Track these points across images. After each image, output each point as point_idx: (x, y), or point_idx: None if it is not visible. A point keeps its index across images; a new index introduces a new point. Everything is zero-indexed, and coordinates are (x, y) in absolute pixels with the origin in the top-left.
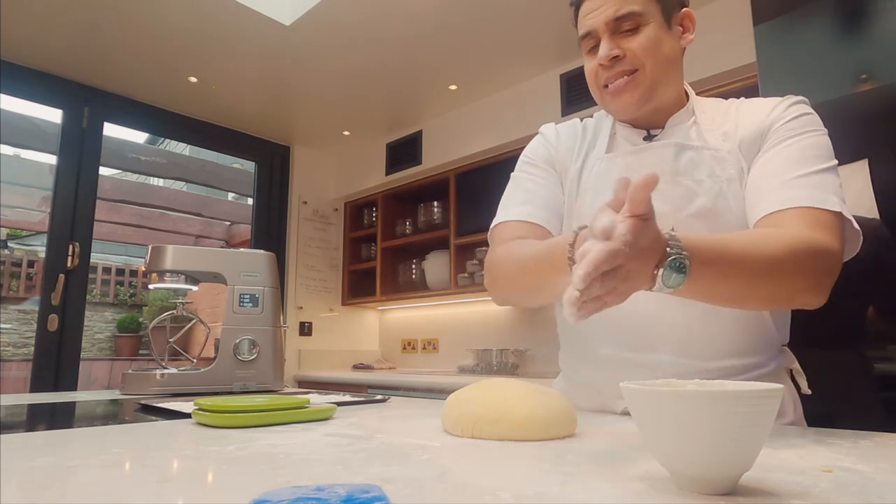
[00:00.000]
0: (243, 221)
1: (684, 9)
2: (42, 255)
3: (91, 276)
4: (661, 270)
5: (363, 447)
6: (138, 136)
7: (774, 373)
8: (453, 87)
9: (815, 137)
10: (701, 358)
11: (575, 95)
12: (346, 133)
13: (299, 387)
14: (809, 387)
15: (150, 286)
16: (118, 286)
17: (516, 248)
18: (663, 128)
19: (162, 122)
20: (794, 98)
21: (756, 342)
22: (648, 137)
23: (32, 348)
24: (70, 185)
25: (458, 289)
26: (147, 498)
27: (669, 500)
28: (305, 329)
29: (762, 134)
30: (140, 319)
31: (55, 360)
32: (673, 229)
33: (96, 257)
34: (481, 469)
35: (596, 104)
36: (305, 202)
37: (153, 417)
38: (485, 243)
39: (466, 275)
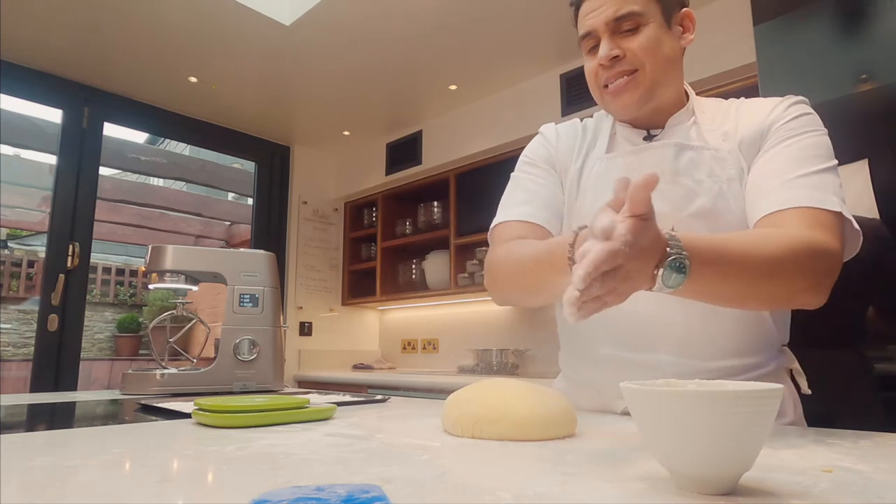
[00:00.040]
0: (243, 221)
1: (684, 9)
2: (42, 255)
3: (91, 276)
4: (661, 270)
5: (363, 447)
6: (138, 136)
7: (774, 373)
8: (453, 87)
9: (815, 137)
10: (701, 358)
11: (575, 95)
12: (346, 133)
13: (299, 387)
14: (809, 387)
15: (150, 286)
16: (118, 286)
17: (516, 248)
18: (663, 128)
19: (162, 122)
20: (794, 98)
21: (756, 342)
22: (648, 137)
23: (32, 348)
24: (70, 185)
25: (458, 289)
26: (147, 498)
27: (669, 500)
28: (305, 329)
29: (762, 134)
30: (140, 319)
31: (55, 360)
32: (673, 229)
33: (96, 257)
34: (481, 469)
35: (596, 104)
36: (305, 202)
37: (153, 417)
38: (485, 243)
39: (466, 275)
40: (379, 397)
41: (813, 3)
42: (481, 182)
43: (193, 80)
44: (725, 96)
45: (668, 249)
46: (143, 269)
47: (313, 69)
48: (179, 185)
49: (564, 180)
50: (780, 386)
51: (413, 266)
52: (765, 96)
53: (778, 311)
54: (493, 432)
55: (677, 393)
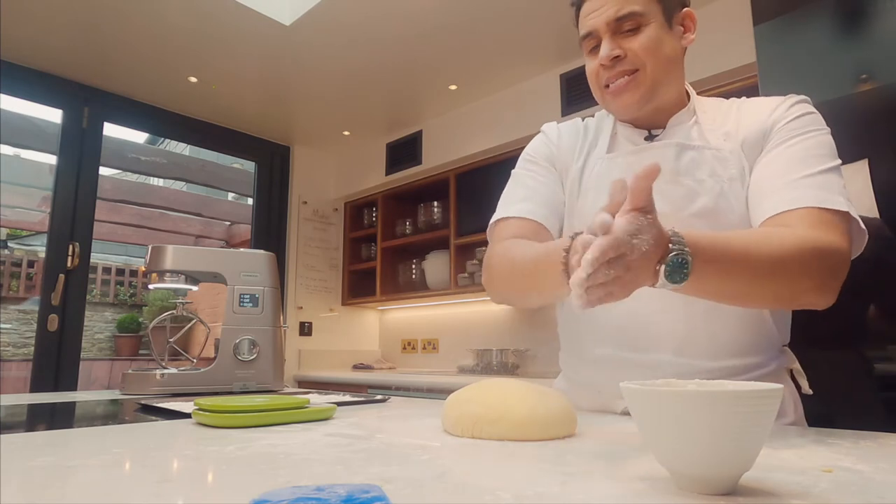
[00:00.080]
0: (243, 221)
1: (685, 8)
2: (42, 255)
3: (91, 276)
4: (663, 267)
5: (363, 447)
6: (138, 136)
7: (775, 373)
8: (453, 87)
9: (818, 137)
10: (701, 358)
11: (575, 95)
12: (346, 133)
13: (299, 387)
14: (810, 387)
15: (150, 286)
16: (118, 286)
17: (513, 249)
18: (664, 128)
19: (162, 122)
20: (796, 97)
21: (757, 342)
22: (650, 137)
23: (32, 348)
24: (70, 185)
25: (458, 289)
26: (147, 498)
27: (669, 500)
28: (305, 329)
29: (765, 133)
30: (140, 319)
31: (55, 360)
32: (674, 229)
33: (96, 257)
34: (481, 469)
35: (596, 104)
36: (305, 202)
37: (153, 417)
38: (485, 243)
39: (466, 275)
40: (379, 397)
41: (813, 3)
42: (481, 182)
43: (193, 80)
44: (726, 96)
45: (670, 245)
46: (143, 269)
47: (313, 69)
48: (179, 185)
49: (565, 179)
50: (780, 386)
51: (413, 266)
52: (765, 96)
53: (779, 311)
54: (493, 432)
55: (677, 393)
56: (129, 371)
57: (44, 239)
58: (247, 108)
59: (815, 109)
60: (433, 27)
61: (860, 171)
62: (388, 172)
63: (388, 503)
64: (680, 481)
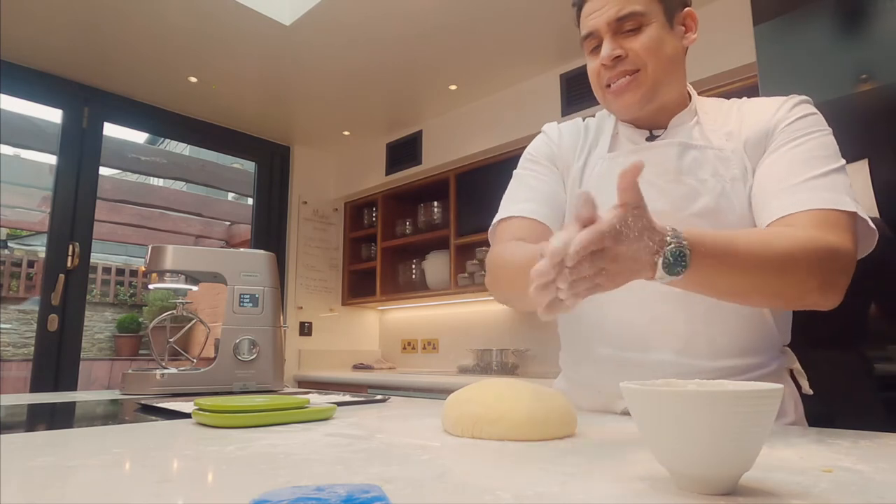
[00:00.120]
0: (243, 221)
1: (687, 8)
2: (42, 255)
3: (91, 276)
4: (661, 259)
5: (363, 447)
6: (138, 136)
7: (776, 373)
8: (453, 87)
9: (821, 138)
10: (702, 358)
11: (575, 95)
12: (346, 133)
13: (299, 387)
14: (810, 387)
15: (150, 286)
16: (118, 286)
17: (513, 250)
18: (666, 128)
19: (162, 122)
20: (797, 98)
21: (758, 342)
22: (651, 137)
23: (32, 348)
24: (70, 185)
25: (458, 289)
26: (147, 498)
27: (669, 500)
28: (305, 329)
29: (767, 134)
30: (140, 319)
31: (55, 360)
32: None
33: (96, 257)
34: (481, 469)
35: (596, 104)
36: (305, 202)
37: (153, 417)
38: (485, 243)
39: (466, 275)
40: (379, 397)
41: (813, 3)
42: (481, 182)
43: (193, 80)
44: (726, 96)
45: (667, 238)
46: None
47: (313, 69)
48: (179, 185)
49: (566, 179)
50: (780, 386)
51: (413, 266)
52: (765, 96)
53: (780, 312)
54: (493, 432)
55: (677, 393)
56: (129, 371)
57: (44, 239)
58: (247, 108)
59: (816, 110)
60: (433, 27)
61: (860, 171)
62: (388, 172)
63: (388, 503)
64: (680, 481)
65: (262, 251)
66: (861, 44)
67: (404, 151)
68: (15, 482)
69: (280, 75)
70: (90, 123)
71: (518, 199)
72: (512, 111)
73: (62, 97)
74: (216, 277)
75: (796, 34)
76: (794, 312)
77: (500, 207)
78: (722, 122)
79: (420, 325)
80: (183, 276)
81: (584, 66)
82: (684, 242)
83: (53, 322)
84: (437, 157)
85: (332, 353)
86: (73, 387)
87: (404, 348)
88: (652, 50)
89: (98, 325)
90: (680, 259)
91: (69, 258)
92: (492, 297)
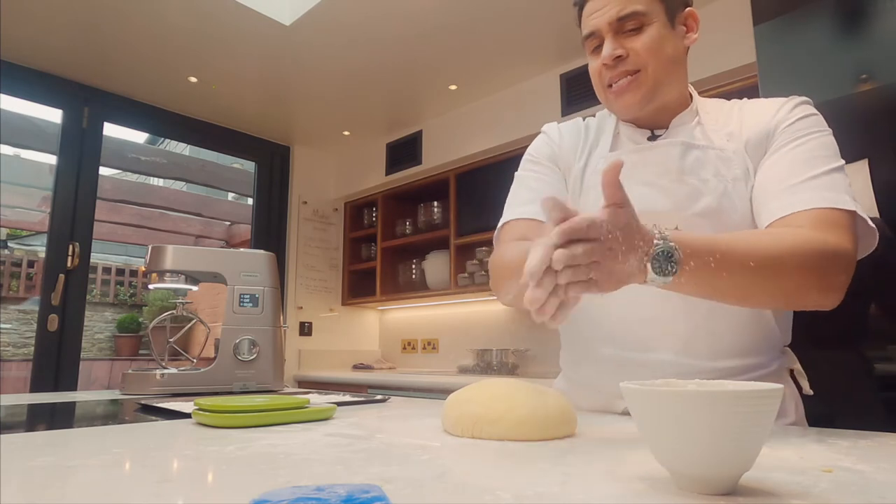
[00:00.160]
0: (243, 221)
1: (688, 8)
2: (42, 255)
3: (91, 276)
4: (650, 261)
5: (363, 447)
6: (138, 136)
7: (776, 373)
8: (453, 87)
9: (821, 138)
10: (703, 358)
11: (575, 95)
12: (346, 133)
13: (299, 387)
14: (811, 387)
15: (150, 286)
16: (118, 286)
17: (511, 251)
18: (667, 127)
19: (162, 122)
20: (798, 99)
21: (758, 343)
22: (652, 137)
23: (32, 348)
24: (70, 185)
25: (458, 289)
26: (147, 498)
27: (669, 500)
28: (305, 329)
29: (768, 135)
30: (140, 319)
31: (55, 360)
32: (677, 228)
33: (96, 257)
34: (481, 469)
35: (596, 104)
36: (305, 202)
37: (153, 417)
38: (485, 243)
39: (466, 275)
40: (379, 397)
41: (813, 3)
42: (481, 182)
43: (193, 80)
44: (726, 96)
45: (654, 241)
46: (143, 269)
47: (313, 69)
48: (179, 185)
49: (567, 179)
50: (779, 386)
51: (413, 266)
52: (765, 96)
53: (781, 312)
54: (493, 432)
55: (677, 393)
56: (129, 371)
57: (44, 239)
58: (247, 108)
59: (816, 111)
60: (433, 27)
61: (860, 171)
62: (388, 172)
63: (388, 503)
64: (680, 481)
65: (262, 251)
66: (861, 44)
67: (404, 151)
68: (15, 482)
69: (280, 75)
70: (90, 123)
71: (520, 202)
72: (512, 111)
73: (62, 97)
74: (216, 277)
75: (796, 34)
76: (795, 312)
77: (504, 211)
78: (723, 122)
79: (420, 325)
80: (183, 276)
81: (585, 66)
82: (672, 244)
83: (53, 322)
84: (437, 157)
85: (332, 353)
86: (73, 387)
87: (404, 348)
88: (653, 50)
89: (98, 325)
90: (669, 259)
91: (69, 258)
92: (492, 297)
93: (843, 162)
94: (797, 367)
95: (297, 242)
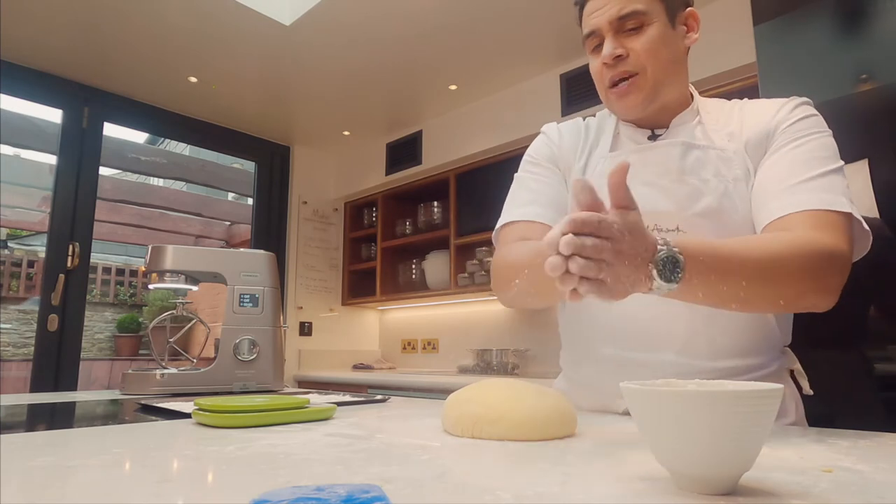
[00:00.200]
0: (243, 221)
1: (689, 8)
2: (42, 255)
3: (91, 276)
4: (654, 268)
5: (363, 447)
6: (138, 136)
7: (776, 373)
8: (453, 87)
9: (821, 139)
10: (703, 358)
11: (575, 95)
12: (346, 133)
13: (299, 387)
14: (811, 387)
15: (150, 286)
16: (118, 286)
17: (515, 251)
18: (667, 127)
19: (162, 122)
20: (798, 99)
21: (759, 343)
22: (653, 137)
23: (32, 348)
24: (70, 185)
25: (458, 289)
26: (147, 498)
27: (669, 500)
28: (305, 329)
29: (768, 135)
30: (140, 319)
31: (55, 360)
32: (678, 228)
33: (96, 257)
34: (481, 469)
35: (596, 104)
36: (305, 202)
37: (153, 417)
38: (485, 243)
39: (466, 275)
40: (379, 397)
41: (813, 3)
42: (481, 182)
43: (193, 80)
44: (726, 96)
45: (657, 247)
46: (143, 269)
47: (313, 69)
48: (179, 185)
49: (568, 179)
50: (780, 386)
51: (413, 266)
52: (765, 96)
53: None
54: (493, 432)
55: (677, 393)
56: (129, 371)
57: (44, 239)
58: (247, 108)
59: (816, 111)
60: (433, 27)
61: (860, 171)
62: (388, 172)
63: (388, 503)
64: (680, 481)
65: (262, 251)
66: (861, 44)
67: (404, 151)
68: (15, 482)
69: (280, 75)
70: (90, 123)
71: (520, 203)
72: (512, 111)
73: (62, 97)
74: (216, 277)
75: (796, 34)
76: (795, 313)
77: (503, 212)
78: (724, 122)
79: (420, 325)
80: (183, 276)
81: (585, 66)
82: (675, 249)
83: (53, 322)
84: (437, 157)
85: (332, 353)
86: (73, 387)
87: (404, 348)
88: (652, 51)
89: (98, 325)
90: (674, 265)
91: (69, 258)
92: (492, 297)
93: (842, 163)
94: (797, 367)
95: (297, 242)
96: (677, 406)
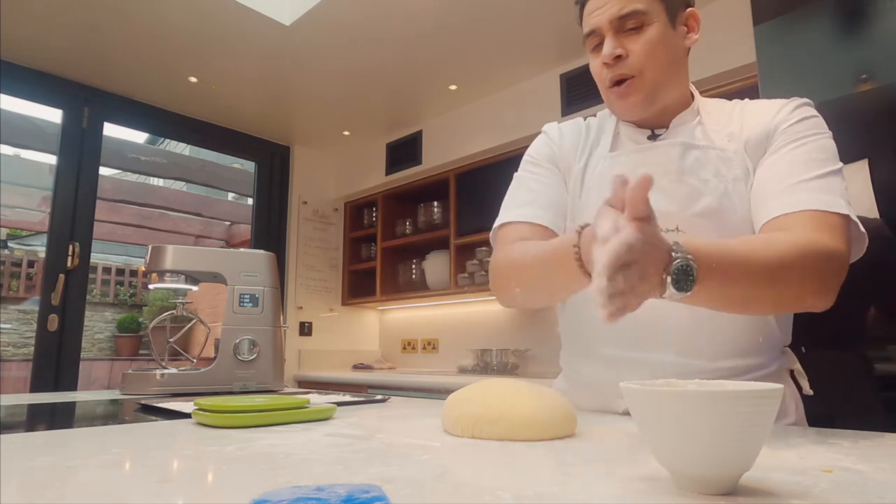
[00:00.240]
0: (243, 221)
1: (689, 8)
2: (42, 255)
3: (91, 276)
4: (669, 277)
5: (363, 447)
6: (138, 136)
7: (776, 373)
8: (453, 87)
9: (820, 140)
10: (704, 358)
11: (575, 95)
12: (346, 133)
13: (299, 387)
14: (811, 387)
15: (150, 286)
16: (118, 286)
17: (519, 250)
18: (667, 127)
19: (162, 122)
20: (799, 100)
21: (759, 343)
22: (653, 137)
23: (32, 348)
24: (70, 185)
25: (458, 289)
26: (147, 498)
27: (669, 500)
28: (305, 329)
29: (768, 135)
30: (140, 319)
31: (55, 360)
32: (678, 228)
33: (96, 257)
34: (481, 469)
35: (596, 104)
36: (305, 202)
37: (153, 417)
38: (485, 243)
39: (466, 275)
40: (379, 397)
41: (813, 3)
42: (481, 182)
43: (193, 80)
44: (726, 96)
45: (672, 254)
46: (143, 269)
47: (313, 69)
48: (179, 185)
49: (568, 179)
50: (780, 386)
51: (413, 266)
52: (765, 96)
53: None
54: (493, 432)
55: (677, 393)
56: (129, 371)
57: (44, 239)
58: (247, 108)
59: (817, 112)
60: (433, 27)
61: (860, 171)
62: (388, 172)
63: (388, 503)
64: (680, 481)
65: (262, 251)
66: (861, 44)
67: (404, 151)
68: (15, 482)
69: (280, 75)
70: (90, 123)
71: (519, 203)
72: (512, 111)
73: (62, 97)
74: (216, 277)
75: (796, 34)
76: (796, 313)
77: (501, 211)
78: (724, 122)
79: (420, 325)
80: (183, 276)
81: (585, 66)
82: (689, 257)
83: (53, 322)
84: (437, 157)
85: (332, 353)
86: (73, 387)
87: (404, 348)
88: (652, 52)
89: (98, 325)
90: (687, 273)
91: (69, 258)
92: (492, 297)
93: (841, 165)
94: (797, 367)
95: (297, 242)
96: (677, 406)
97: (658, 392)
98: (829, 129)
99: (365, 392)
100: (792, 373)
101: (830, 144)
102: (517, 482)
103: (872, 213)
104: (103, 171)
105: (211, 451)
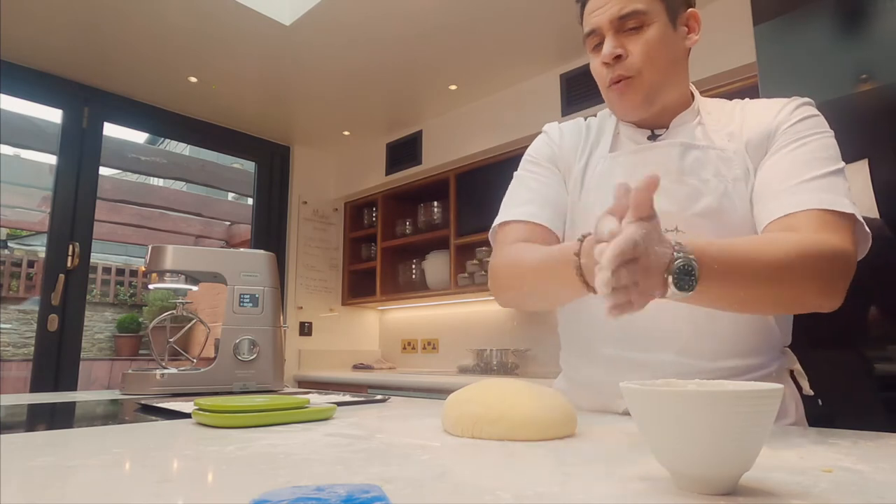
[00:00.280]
0: (243, 221)
1: (690, 9)
2: (42, 255)
3: (91, 276)
4: (671, 277)
5: (363, 447)
6: (138, 136)
7: (776, 374)
8: (453, 87)
9: (822, 139)
10: (704, 358)
11: (575, 95)
12: (346, 133)
13: (299, 387)
14: (811, 387)
15: (150, 286)
16: (118, 286)
17: (519, 253)
18: (667, 127)
19: (162, 122)
20: (800, 100)
21: (759, 343)
22: (653, 137)
23: (32, 348)
24: (70, 185)
25: (458, 289)
26: (147, 498)
27: (669, 500)
28: (305, 329)
29: (769, 135)
30: (140, 319)
31: (55, 360)
32: (678, 228)
33: (96, 257)
34: (481, 469)
35: (596, 104)
36: (305, 202)
37: (153, 417)
38: (485, 243)
39: (466, 275)
40: (379, 397)
41: (813, 3)
42: (481, 182)
43: (193, 80)
44: (726, 96)
45: (674, 253)
46: (143, 269)
47: (313, 69)
48: (179, 185)
49: (568, 179)
50: (780, 386)
51: (413, 266)
52: (765, 96)
53: None
54: (493, 432)
55: (677, 393)
56: (129, 371)
57: (44, 239)
58: (247, 108)
59: (818, 112)
60: (433, 27)
61: (860, 171)
62: (388, 172)
63: (388, 503)
64: (680, 481)
65: (262, 251)
66: (861, 44)
67: (404, 151)
68: (15, 482)
69: (280, 75)
70: (90, 123)
71: (519, 202)
72: (512, 111)
73: (62, 97)
74: (216, 277)
75: (796, 34)
76: (797, 314)
77: (501, 210)
78: (725, 122)
79: (420, 325)
80: (183, 276)
81: (585, 66)
82: (691, 257)
83: (53, 322)
84: (437, 157)
85: (332, 353)
86: (73, 387)
87: (404, 348)
88: (651, 52)
89: (98, 325)
90: (689, 273)
91: (69, 258)
92: (492, 298)
93: (843, 164)
94: (797, 367)
95: (297, 242)
96: (677, 406)
97: (658, 392)
98: (831, 130)
99: (365, 392)
100: (792, 373)
101: (832, 143)
102: (517, 482)
103: (872, 213)
104: (103, 171)
105: (211, 451)
